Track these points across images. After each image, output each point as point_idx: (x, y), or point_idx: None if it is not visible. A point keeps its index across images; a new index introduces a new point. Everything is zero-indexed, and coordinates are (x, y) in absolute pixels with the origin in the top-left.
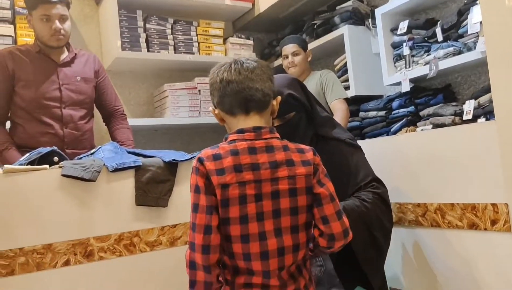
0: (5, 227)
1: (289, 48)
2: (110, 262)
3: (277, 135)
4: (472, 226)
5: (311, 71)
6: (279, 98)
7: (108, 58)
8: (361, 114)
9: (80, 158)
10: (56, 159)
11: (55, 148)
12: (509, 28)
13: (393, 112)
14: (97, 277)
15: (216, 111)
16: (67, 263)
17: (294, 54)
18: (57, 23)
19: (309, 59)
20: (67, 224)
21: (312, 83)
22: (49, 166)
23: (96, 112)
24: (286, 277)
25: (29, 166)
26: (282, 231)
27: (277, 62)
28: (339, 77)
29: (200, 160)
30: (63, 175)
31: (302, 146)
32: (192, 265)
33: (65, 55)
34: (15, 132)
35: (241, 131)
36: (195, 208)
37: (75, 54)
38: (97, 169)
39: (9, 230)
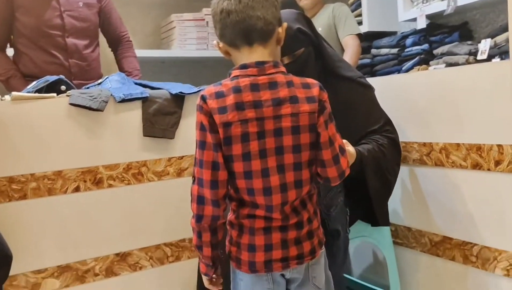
0: (16, 153)
1: None
2: (118, 190)
3: (283, 69)
4: (476, 166)
5: (323, 4)
6: (285, 24)
7: None
8: (373, 51)
9: (88, 88)
10: (63, 88)
11: (62, 76)
12: None
13: (406, 50)
14: (106, 204)
15: (220, 44)
16: (77, 189)
17: None
18: None
19: None
20: (77, 152)
21: (324, 17)
22: (57, 95)
23: (101, 39)
24: (289, 211)
25: (37, 94)
26: (285, 168)
27: None
28: (352, 11)
29: (203, 98)
30: (71, 104)
31: (309, 80)
32: (200, 200)
33: None
34: (20, 60)
35: (244, 66)
36: (202, 145)
37: None
38: (104, 99)
39: (20, 156)
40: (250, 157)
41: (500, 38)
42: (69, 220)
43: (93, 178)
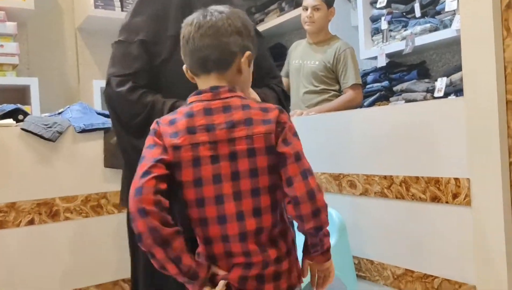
0: None
1: None
2: (76, 223)
3: (239, 93)
4: (435, 199)
5: (329, 35)
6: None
7: (80, 15)
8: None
9: (48, 117)
10: (21, 117)
11: (19, 105)
12: (484, 8)
13: (367, 86)
14: (62, 237)
15: (187, 69)
16: (31, 222)
17: (315, 8)
18: None
19: (331, 18)
20: (32, 183)
21: (329, 55)
22: (16, 123)
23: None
24: (252, 247)
25: None
26: (242, 195)
27: None
28: None
29: (157, 123)
30: (23, 129)
31: (269, 105)
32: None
33: None
34: None
35: (199, 92)
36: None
37: None
38: (58, 130)
39: None
40: (202, 183)
41: (455, 77)
42: (22, 255)
43: (49, 211)
